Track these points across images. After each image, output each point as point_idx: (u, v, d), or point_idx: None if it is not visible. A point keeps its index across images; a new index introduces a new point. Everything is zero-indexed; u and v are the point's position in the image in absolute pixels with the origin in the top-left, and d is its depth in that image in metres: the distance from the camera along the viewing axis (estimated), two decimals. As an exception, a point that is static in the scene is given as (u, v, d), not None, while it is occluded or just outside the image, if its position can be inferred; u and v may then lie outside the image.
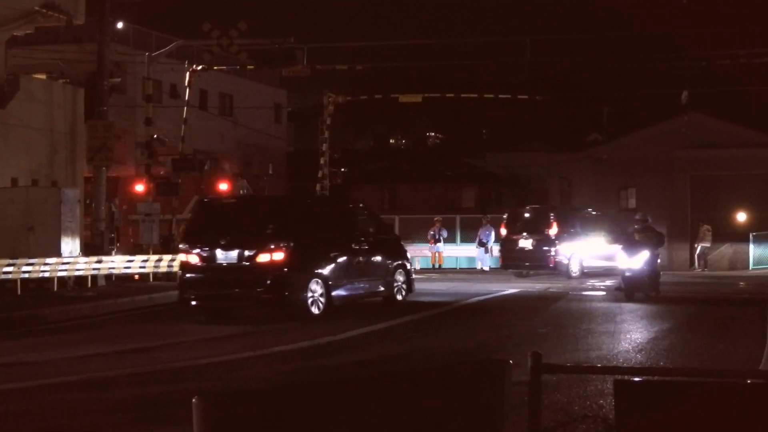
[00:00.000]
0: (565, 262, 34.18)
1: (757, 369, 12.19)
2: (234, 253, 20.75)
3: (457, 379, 6.08)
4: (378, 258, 23.32)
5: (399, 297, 23.68)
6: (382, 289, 23.29)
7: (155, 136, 34.32)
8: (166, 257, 31.57)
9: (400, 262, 24.13)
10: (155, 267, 30.90)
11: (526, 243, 35.03)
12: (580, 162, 58.41)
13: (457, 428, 5.90)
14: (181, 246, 22.23)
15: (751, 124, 56.25)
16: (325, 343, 17.01)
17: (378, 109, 65.79)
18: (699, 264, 44.32)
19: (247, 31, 35.22)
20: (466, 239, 44.66)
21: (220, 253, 20.84)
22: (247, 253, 20.62)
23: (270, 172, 46.03)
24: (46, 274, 27.10)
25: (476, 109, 68.54)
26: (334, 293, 21.35)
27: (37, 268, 26.74)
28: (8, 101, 32.04)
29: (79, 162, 33.93)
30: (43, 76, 36.16)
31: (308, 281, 20.76)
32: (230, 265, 20.77)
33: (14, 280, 26.22)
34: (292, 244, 20.67)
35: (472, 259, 43.89)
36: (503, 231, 36.29)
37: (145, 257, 31.16)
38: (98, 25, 32.15)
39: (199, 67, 37.68)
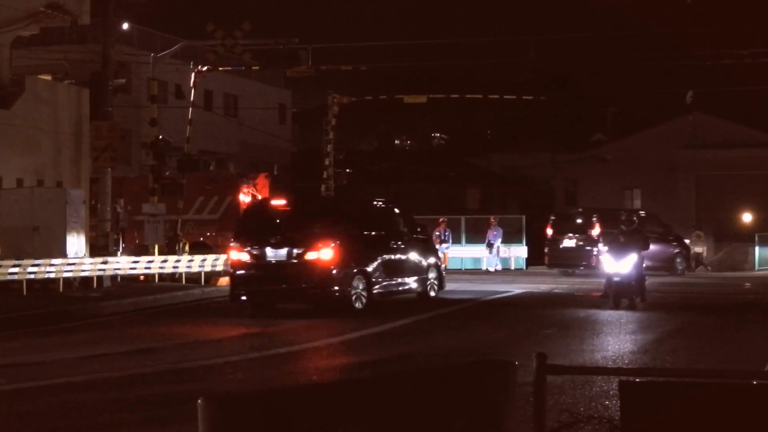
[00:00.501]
0: None
1: (762, 370, 12.19)
2: (283, 251, 22.07)
3: (461, 379, 6.08)
4: (413, 256, 24.74)
5: (432, 294, 25.12)
6: (416, 285, 24.68)
7: (160, 136, 34.32)
8: (171, 258, 31.57)
9: (432, 260, 25.65)
10: (160, 268, 30.92)
11: (569, 243, 37.00)
12: (585, 162, 58.40)
13: (461, 428, 5.91)
14: (231, 245, 23.54)
15: (756, 124, 56.20)
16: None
17: (382, 110, 65.77)
18: (696, 267, 44.55)
19: (252, 31, 35.21)
20: (471, 240, 44.65)
21: (269, 251, 22.19)
22: (295, 251, 21.96)
23: (275, 172, 46.05)
24: (52, 275, 27.11)
25: (481, 110, 68.51)
26: (374, 289, 22.72)
27: (42, 268, 26.75)
28: (13, 102, 32.07)
29: (84, 162, 33.95)
30: (48, 77, 36.16)
31: (352, 278, 22.10)
32: (279, 263, 22.06)
33: (20, 281, 26.24)
34: (337, 243, 22.00)
35: (477, 260, 43.89)
36: (549, 231, 38.00)
37: (150, 258, 31.18)
38: (103, 25, 32.17)
39: (204, 68, 37.69)
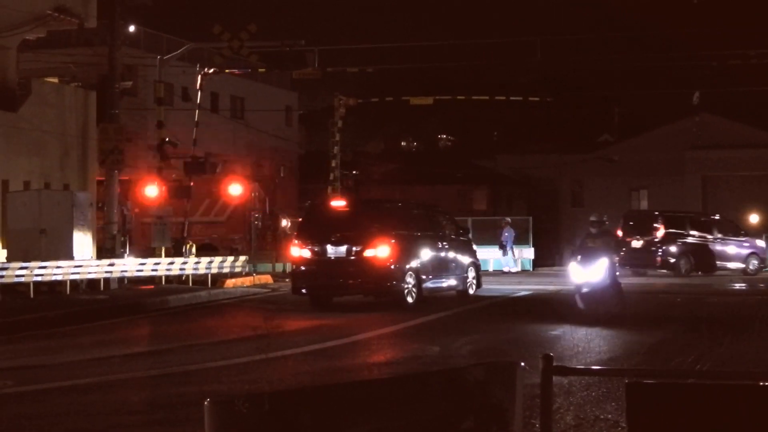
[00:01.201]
0: (672, 261, 38.10)
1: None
2: (343, 249, 23.88)
3: (468, 380, 6.08)
4: (455, 256, 26.57)
5: (471, 291, 26.86)
6: (457, 283, 26.41)
7: (167, 139, 34.36)
8: (178, 260, 31.60)
9: (472, 260, 27.49)
10: (167, 270, 30.95)
11: (637, 244, 38.22)
12: (591, 163, 58.38)
13: (468, 430, 5.91)
14: (293, 242, 25.26)
15: (763, 125, 56.16)
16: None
17: (389, 111, 65.79)
18: None
19: (258, 33, 35.24)
20: (478, 241, 44.65)
21: (330, 248, 24.04)
22: (354, 248, 23.75)
23: (281, 174, 46.11)
24: (59, 277, 27.14)
25: (487, 111, 68.51)
26: (423, 285, 24.42)
27: (49, 271, 26.78)
28: (20, 105, 32.12)
29: (91, 165, 34.00)
30: (54, 80, 36.22)
31: (405, 274, 23.85)
32: (338, 259, 23.90)
33: (27, 283, 26.27)
34: (393, 242, 23.87)
35: (484, 262, 43.87)
36: (619, 233, 38.89)
37: (157, 260, 31.21)
38: (109, 28, 32.22)
39: (211, 70, 37.74)
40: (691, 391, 5.68)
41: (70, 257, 28.58)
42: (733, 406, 5.49)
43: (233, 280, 32.95)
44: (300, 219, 26.23)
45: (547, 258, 52.10)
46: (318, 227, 24.70)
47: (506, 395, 6.09)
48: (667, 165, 55.91)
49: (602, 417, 9.69)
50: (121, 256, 31.25)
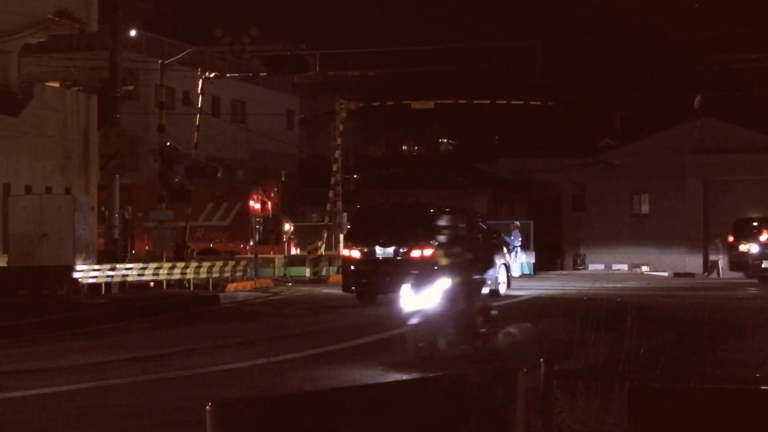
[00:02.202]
0: None
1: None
2: (390, 249, 25.75)
3: (469, 385, 6.09)
4: (489, 257, 27.12)
5: (501, 291, 28.47)
6: (490, 282, 27.06)
7: (168, 143, 34.37)
8: (180, 264, 31.59)
9: (503, 261, 29.07)
10: (168, 274, 30.94)
11: (745, 248, 39.66)
12: (593, 167, 58.35)
13: (471, 434, 5.91)
14: (344, 243, 27.36)
15: (764, 129, 56.09)
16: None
17: (390, 115, 65.77)
18: (711, 272, 44.96)
19: (259, 37, 35.25)
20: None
21: (378, 249, 25.87)
22: (401, 249, 25.57)
23: (282, 178, 46.09)
24: (60, 282, 27.09)
25: (489, 115, 68.47)
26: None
27: (50, 275, 26.76)
28: (22, 109, 32.14)
29: (92, 169, 34.01)
30: (56, 84, 36.24)
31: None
32: (386, 259, 25.66)
33: (28, 287, 26.25)
34: (436, 243, 23.92)
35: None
36: (730, 238, 41.29)
37: (158, 264, 31.20)
38: (111, 32, 32.23)
39: (212, 74, 37.76)
40: (692, 394, 5.69)
41: (72, 261, 28.57)
42: (734, 409, 5.49)
43: (234, 285, 32.97)
44: (351, 221, 28.09)
45: (549, 262, 52.11)
46: (368, 230, 26.59)
47: (508, 399, 6.10)
48: (669, 169, 55.88)
49: (604, 421, 9.68)
50: (122, 260, 31.25)
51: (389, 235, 25.99)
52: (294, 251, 41.78)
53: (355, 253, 26.22)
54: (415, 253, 25.31)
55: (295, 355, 16.27)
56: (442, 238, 25.23)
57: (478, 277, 26.46)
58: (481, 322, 16.42)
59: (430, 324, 15.56)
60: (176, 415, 11.37)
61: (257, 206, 40.69)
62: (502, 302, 25.60)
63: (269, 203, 41.56)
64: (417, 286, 16.54)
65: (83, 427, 10.98)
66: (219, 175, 44.20)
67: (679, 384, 6.15)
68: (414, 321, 15.66)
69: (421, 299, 15.95)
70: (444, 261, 16.90)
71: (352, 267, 26.33)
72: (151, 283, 30.91)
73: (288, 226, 41.75)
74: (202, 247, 38.53)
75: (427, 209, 29.69)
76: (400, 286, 24.14)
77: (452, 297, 15.93)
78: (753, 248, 37.22)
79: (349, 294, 26.61)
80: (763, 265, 36.54)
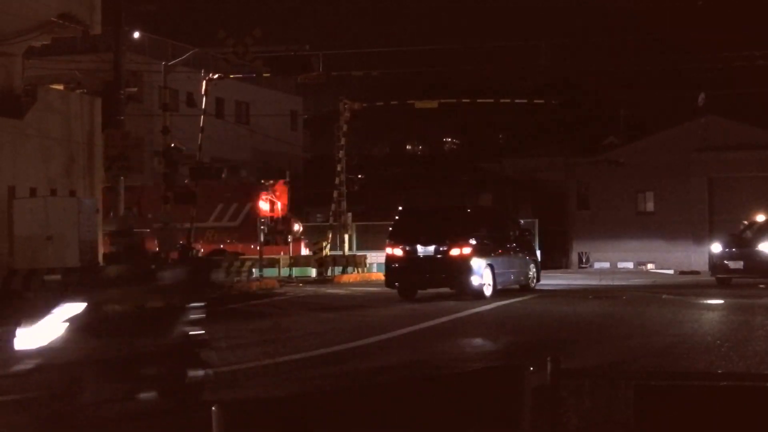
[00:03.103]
0: None
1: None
2: (431, 248, 27.38)
3: (476, 383, 6.07)
4: (521, 254, 30.43)
5: (532, 285, 30.49)
6: (522, 278, 29.99)
7: (172, 144, 34.38)
8: (184, 266, 31.59)
9: (533, 258, 31.41)
10: (173, 275, 30.93)
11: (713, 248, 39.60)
12: (597, 166, 58.35)
13: (477, 434, 5.90)
14: (387, 242, 28.66)
15: (769, 126, 56.05)
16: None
17: (394, 115, 65.78)
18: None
19: (262, 38, 35.26)
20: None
21: (420, 248, 27.53)
22: (441, 248, 27.26)
23: (287, 178, 46.15)
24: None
25: (492, 114, 68.45)
26: (497, 279, 27.85)
27: (56, 277, 26.75)
28: (26, 112, 32.15)
29: (97, 171, 34.02)
30: (60, 87, 36.24)
31: (483, 270, 27.32)
32: (426, 257, 27.38)
33: (34, 289, 26.25)
34: (473, 242, 27.44)
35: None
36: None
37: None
38: (114, 34, 32.26)
39: (215, 76, 37.78)
40: (699, 392, 5.67)
41: (76, 264, 28.59)
42: (742, 407, 5.47)
43: (239, 285, 32.98)
44: (393, 221, 29.73)
45: (554, 261, 52.09)
46: (409, 229, 28.35)
47: (514, 398, 6.08)
48: (673, 167, 55.87)
49: (610, 419, 9.67)
50: (128, 262, 31.23)
51: (429, 235, 27.76)
52: (305, 251, 41.82)
53: (398, 252, 27.93)
54: (454, 251, 27.19)
55: (302, 355, 16.27)
56: (479, 235, 27.67)
57: (516, 270, 29.52)
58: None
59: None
60: (183, 416, 11.35)
61: (267, 207, 40.73)
62: (531, 295, 28.36)
63: (279, 204, 41.62)
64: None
65: (90, 428, 10.96)
66: (223, 176, 44.23)
67: (686, 382, 6.14)
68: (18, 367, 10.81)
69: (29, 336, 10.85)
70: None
71: (395, 264, 28.00)
72: None
73: (297, 227, 41.82)
74: (212, 248, 38.56)
75: (464, 209, 32.05)
76: (439, 283, 27.54)
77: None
78: (715, 247, 33.62)
79: (392, 289, 28.35)
80: (730, 266, 32.08)
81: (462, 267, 26.94)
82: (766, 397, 5.57)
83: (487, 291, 27.25)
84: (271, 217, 40.37)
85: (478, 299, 26.18)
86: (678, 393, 5.68)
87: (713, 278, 32.88)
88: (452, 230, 27.75)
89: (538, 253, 44.45)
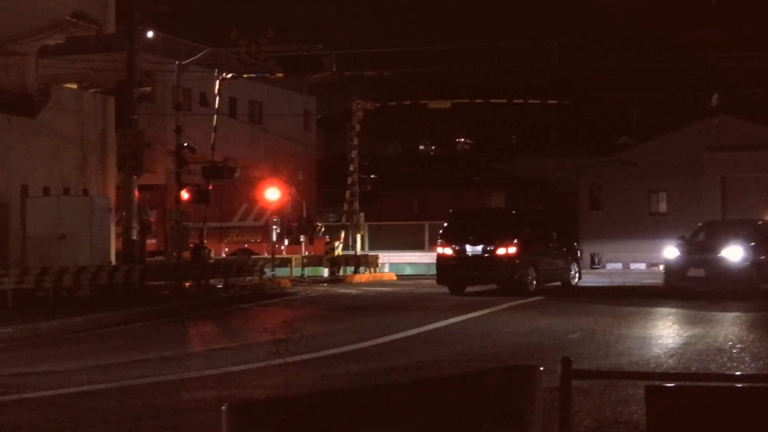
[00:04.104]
0: None
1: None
2: (479, 248, 29.31)
3: (486, 384, 6.06)
4: (561, 253, 31.95)
5: (573, 282, 31.94)
6: (563, 275, 31.66)
7: (185, 144, 34.43)
8: (196, 265, 31.62)
9: (574, 257, 32.77)
10: (186, 275, 30.96)
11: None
12: (610, 166, 58.21)
13: (487, 434, 5.89)
14: (438, 242, 30.70)
15: (782, 126, 55.85)
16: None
17: (407, 115, 65.79)
18: None
19: (275, 38, 35.27)
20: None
21: (468, 248, 29.47)
22: (488, 247, 29.17)
23: (300, 178, 46.16)
24: (78, 283, 27.16)
25: (505, 114, 68.44)
26: (540, 277, 29.78)
27: (69, 276, 26.84)
28: (39, 111, 32.26)
29: (109, 170, 34.12)
30: (73, 86, 36.38)
31: (527, 268, 29.25)
32: (474, 256, 29.32)
33: (46, 288, 26.35)
34: (518, 242, 29.33)
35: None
36: None
37: (175, 264, 31.24)
38: (128, 34, 32.32)
39: (229, 75, 37.79)
40: (711, 394, 5.65)
41: (89, 262, 28.65)
42: (755, 409, 5.45)
43: (252, 284, 33.01)
44: (445, 222, 31.65)
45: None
46: (458, 230, 30.24)
47: (525, 399, 6.07)
48: (686, 167, 55.70)
49: (621, 420, 9.66)
50: (141, 261, 31.31)
51: (478, 235, 29.62)
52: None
53: (448, 251, 29.80)
54: (501, 251, 29.09)
55: (313, 354, 16.27)
56: (523, 236, 29.27)
57: (558, 268, 31.06)
58: None
59: None
60: (193, 416, 11.38)
61: (289, 206, 40.77)
62: (572, 291, 30.59)
63: (303, 203, 41.73)
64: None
65: (101, 427, 10.99)
66: (236, 175, 44.25)
67: (698, 383, 6.12)
68: None
69: None
70: None
71: (445, 263, 29.86)
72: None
73: (320, 225, 41.93)
74: (236, 248, 38.61)
75: (509, 212, 34.45)
76: (486, 279, 29.47)
77: None
78: (670, 252, 29.23)
79: (443, 286, 30.20)
80: (690, 274, 28.15)
81: (507, 265, 28.89)
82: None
83: (531, 287, 29.02)
84: (298, 216, 40.60)
85: (522, 295, 27.74)
86: (690, 394, 5.67)
87: (668, 287, 28.68)
88: (498, 231, 29.74)
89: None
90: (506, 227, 30.13)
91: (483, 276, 29.44)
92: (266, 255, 38.53)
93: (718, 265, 27.47)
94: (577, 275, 32.40)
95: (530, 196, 63.03)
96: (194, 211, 35.03)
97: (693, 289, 27.61)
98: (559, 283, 31.44)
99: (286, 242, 39.88)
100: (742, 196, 54.93)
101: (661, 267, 31.41)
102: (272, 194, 40.61)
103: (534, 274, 29.45)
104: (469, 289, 29.95)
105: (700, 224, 32.73)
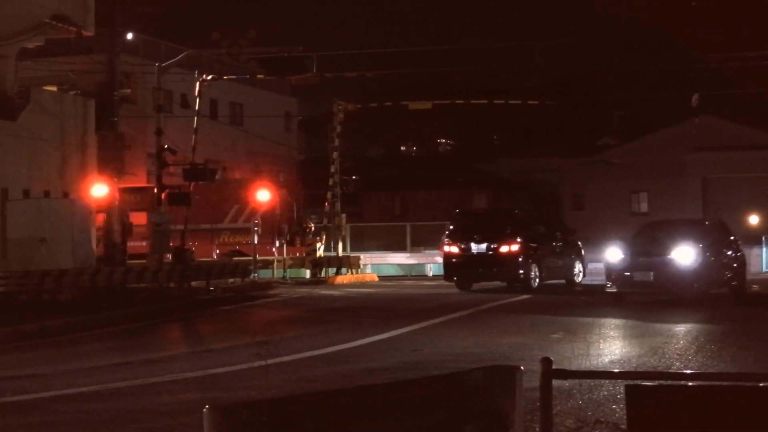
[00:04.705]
0: None
1: (771, 372, 12.15)
2: (483, 246, 30.50)
3: (468, 384, 6.06)
4: (565, 252, 32.86)
5: (576, 280, 32.80)
6: (567, 273, 32.56)
7: (166, 146, 34.33)
8: (179, 267, 31.55)
9: (578, 256, 33.44)
10: (168, 278, 30.87)
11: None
12: (592, 166, 58.38)
13: (469, 435, 5.89)
14: (445, 240, 31.81)
15: (763, 126, 56.12)
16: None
17: (388, 116, 65.77)
18: None
19: (257, 39, 35.22)
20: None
21: (473, 246, 30.70)
22: (492, 245, 30.31)
23: (281, 180, 46.08)
24: (59, 286, 27.05)
25: (487, 115, 68.50)
26: (543, 274, 30.78)
27: (49, 279, 26.73)
28: (19, 113, 32.14)
29: (90, 173, 34.01)
30: (53, 88, 36.24)
31: (530, 265, 30.27)
32: (479, 254, 30.53)
33: (27, 292, 26.23)
34: (521, 241, 30.33)
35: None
36: None
37: (157, 267, 31.15)
38: (108, 36, 32.25)
39: (209, 77, 37.71)
40: (691, 392, 5.67)
41: (70, 265, 28.55)
42: (735, 407, 5.47)
43: (234, 286, 32.95)
44: (451, 222, 33.08)
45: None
46: (464, 229, 31.46)
47: (507, 399, 6.08)
48: (668, 167, 55.91)
49: (603, 420, 9.68)
50: (122, 264, 31.22)
51: (482, 234, 30.81)
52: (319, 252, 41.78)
53: (454, 249, 31.11)
54: (504, 249, 30.17)
55: (294, 356, 16.25)
56: (526, 235, 30.14)
57: (561, 266, 31.67)
58: None
59: None
60: (175, 418, 11.35)
61: (278, 207, 40.70)
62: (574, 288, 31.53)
63: (295, 204, 41.70)
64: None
65: (84, 431, 10.95)
66: (217, 177, 44.13)
67: (679, 382, 6.14)
68: None
69: None
70: None
71: (452, 260, 31.16)
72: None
73: (311, 226, 41.94)
74: (228, 249, 38.54)
75: (513, 212, 35.44)
76: (491, 276, 30.65)
77: None
78: (613, 254, 26.03)
79: (450, 282, 31.57)
80: (637, 278, 25.11)
81: (511, 262, 30.03)
82: (760, 397, 5.56)
83: (534, 284, 30.11)
84: (289, 218, 40.59)
85: (525, 291, 29.10)
86: (671, 393, 5.68)
87: (610, 292, 25.65)
88: (502, 230, 30.86)
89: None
90: (510, 226, 31.17)
91: (488, 273, 30.59)
92: (258, 256, 38.57)
93: (669, 268, 24.51)
94: (581, 273, 33.04)
95: (513, 196, 63.13)
96: (177, 213, 34.91)
97: (640, 294, 25.01)
98: (563, 281, 32.32)
99: (278, 244, 39.85)
100: (723, 196, 55.17)
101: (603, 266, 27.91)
102: (263, 196, 40.55)
103: (536, 272, 30.40)
104: (474, 286, 31.14)
105: (644, 224, 30.85)
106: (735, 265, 27.00)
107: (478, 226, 31.80)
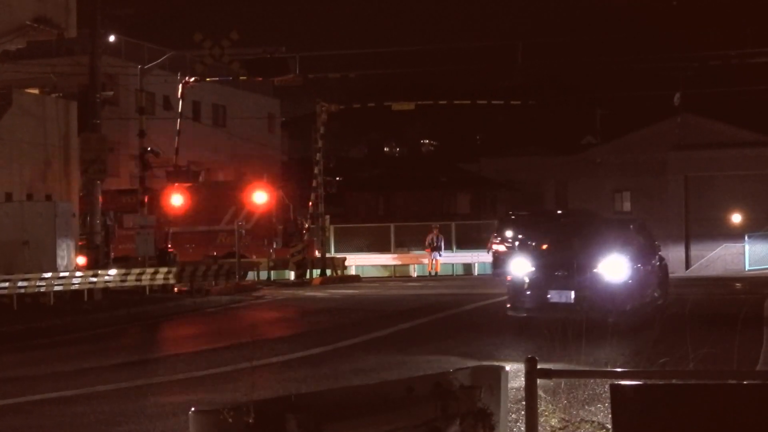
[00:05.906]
0: None
1: (754, 370, 12.21)
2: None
3: (454, 385, 6.08)
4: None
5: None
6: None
7: (149, 148, 34.27)
8: (162, 270, 31.49)
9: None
10: (151, 280, 30.84)
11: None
12: (575, 165, 58.54)
13: (455, 435, 5.90)
14: (494, 240, 36.81)
15: (744, 124, 56.36)
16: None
17: (371, 117, 65.76)
18: None
19: (239, 40, 35.19)
20: (463, 245, 44.72)
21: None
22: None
23: (264, 180, 46.01)
24: (42, 289, 27.01)
25: (470, 115, 68.59)
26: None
27: (33, 282, 26.67)
28: (1, 116, 31.99)
29: (73, 175, 33.88)
30: (35, 90, 36.07)
31: None
32: None
33: (10, 295, 26.16)
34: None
35: (468, 266, 43.99)
36: None
37: (140, 270, 31.09)
38: (90, 38, 32.12)
39: (192, 79, 37.64)
40: (675, 391, 5.69)
41: (53, 268, 28.47)
42: (718, 405, 5.50)
43: (218, 288, 32.90)
44: (498, 223, 37.51)
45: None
46: (510, 230, 35.96)
47: (491, 399, 6.10)
48: (650, 166, 56.09)
49: (588, 419, 9.70)
50: (105, 266, 31.14)
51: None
52: (316, 252, 41.80)
53: (501, 248, 35.14)
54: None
55: (279, 358, 16.25)
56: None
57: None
58: None
59: None
60: (161, 421, 11.33)
61: (272, 208, 40.71)
62: None
63: (291, 206, 41.71)
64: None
65: (67, 434, 10.93)
66: (200, 179, 44.06)
67: (663, 381, 6.16)
68: None
69: None
70: None
71: (501, 258, 33.72)
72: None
73: (307, 227, 41.96)
74: (225, 251, 38.51)
75: (555, 213, 38.36)
76: None
77: None
78: (519, 266, 19.78)
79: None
80: (553, 299, 18.76)
81: None
82: (744, 395, 5.59)
83: None
84: (286, 219, 40.74)
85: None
86: (654, 391, 5.71)
87: (511, 315, 19.43)
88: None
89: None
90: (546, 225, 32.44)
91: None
92: (254, 258, 38.62)
93: (594, 286, 18.60)
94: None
95: (496, 195, 63.24)
96: (176, 215, 34.87)
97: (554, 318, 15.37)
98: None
99: (275, 245, 39.93)
100: (705, 194, 55.37)
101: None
102: (259, 197, 40.52)
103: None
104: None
105: (552, 225, 27.57)
106: (659, 278, 21.30)
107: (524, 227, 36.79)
